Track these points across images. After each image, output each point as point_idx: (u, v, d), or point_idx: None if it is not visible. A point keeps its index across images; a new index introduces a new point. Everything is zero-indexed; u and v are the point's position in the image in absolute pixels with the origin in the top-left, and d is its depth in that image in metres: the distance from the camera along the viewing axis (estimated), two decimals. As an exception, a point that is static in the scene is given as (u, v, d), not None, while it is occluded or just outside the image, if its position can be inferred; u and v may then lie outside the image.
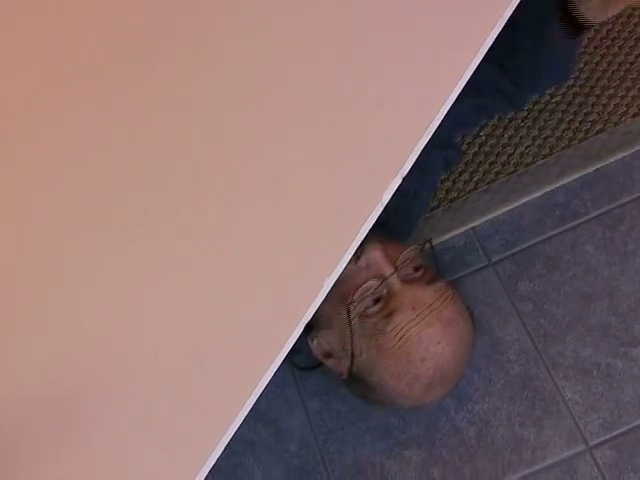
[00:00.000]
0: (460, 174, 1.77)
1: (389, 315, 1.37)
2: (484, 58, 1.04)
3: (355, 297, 1.38)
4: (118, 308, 1.04)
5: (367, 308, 1.39)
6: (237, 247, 1.03)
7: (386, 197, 0.99)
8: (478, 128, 1.79)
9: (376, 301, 1.39)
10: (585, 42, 1.83)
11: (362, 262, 1.39)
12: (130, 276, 1.05)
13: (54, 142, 1.14)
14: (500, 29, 1.03)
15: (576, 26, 1.35)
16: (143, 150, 1.11)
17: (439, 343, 1.37)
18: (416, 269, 1.44)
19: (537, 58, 1.48)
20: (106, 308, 1.04)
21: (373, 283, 1.38)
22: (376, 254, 1.39)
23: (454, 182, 1.76)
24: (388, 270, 1.39)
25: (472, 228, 1.73)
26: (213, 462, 0.95)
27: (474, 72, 1.03)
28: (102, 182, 1.10)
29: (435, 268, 1.50)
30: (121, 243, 1.06)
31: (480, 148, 1.79)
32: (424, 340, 1.36)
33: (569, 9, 1.32)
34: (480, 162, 1.77)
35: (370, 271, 1.39)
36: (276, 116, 1.08)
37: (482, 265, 1.69)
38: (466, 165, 1.77)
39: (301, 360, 1.58)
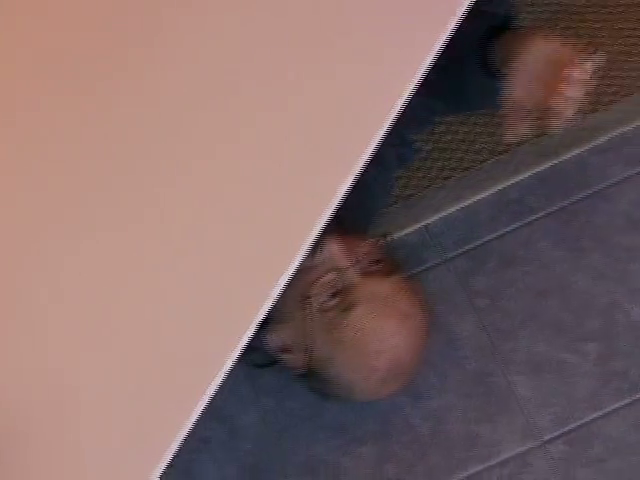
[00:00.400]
0: (416, 171, 1.76)
1: (347, 309, 1.37)
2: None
3: (313, 291, 1.38)
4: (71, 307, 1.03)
5: (325, 302, 1.39)
6: (192, 240, 1.02)
7: (340, 192, 0.99)
8: (433, 125, 1.79)
9: (334, 295, 1.39)
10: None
11: (320, 256, 1.39)
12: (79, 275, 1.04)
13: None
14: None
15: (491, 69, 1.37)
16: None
17: (395, 335, 1.38)
18: (373, 262, 1.44)
19: (462, 85, 1.49)
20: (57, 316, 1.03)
21: (331, 277, 1.38)
22: (334, 247, 1.39)
23: (410, 179, 1.76)
24: (346, 263, 1.39)
25: (427, 225, 1.72)
26: (168, 459, 0.94)
27: (426, 72, 1.03)
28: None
29: (393, 261, 1.50)
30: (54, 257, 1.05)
31: (435, 145, 1.78)
32: (380, 333, 1.37)
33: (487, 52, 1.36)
34: (435, 159, 1.77)
35: (327, 265, 1.40)
36: (225, 110, 1.07)
37: (437, 262, 1.69)
38: (422, 162, 1.77)
39: (257, 358, 1.58)
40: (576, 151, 1.73)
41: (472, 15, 1.11)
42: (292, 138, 1.03)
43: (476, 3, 1.06)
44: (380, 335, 1.37)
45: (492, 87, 1.43)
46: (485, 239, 1.69)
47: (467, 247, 1.69)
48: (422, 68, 1.02)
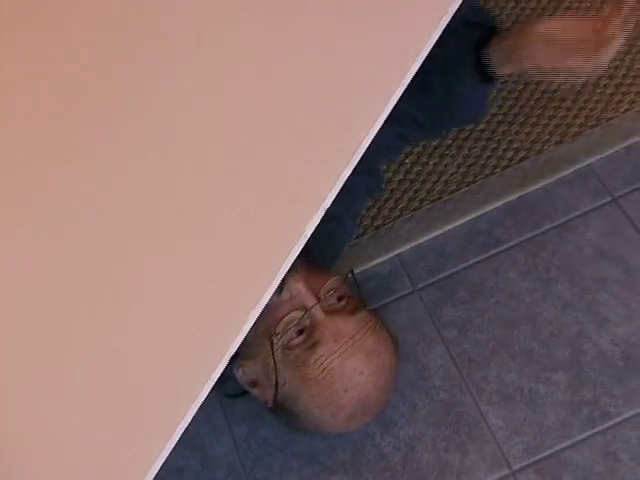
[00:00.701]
0: (385, 201, 1.78)
1: (312, 347, 1.38)
2: (405, 90, 1.06)
3: (278, 329, 1.39)
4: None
5: (290, 340, 1.40)
6: (166, 277, 1.02)
7: (309, 230, 1.00)
8: (403, 155, 1.81)
9: (300, 332, 1.40)
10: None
11: (285, 294, 1.40)
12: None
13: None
14: (422, 59, 1.05)
15: (486, 75, 1.39)
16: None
17: (362, 374, 1.38)
18: (339, 299, 1.45)
19: (449, 99, 1.50)
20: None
21: (296, 315, 1.39)
22: (298, 286, 1.39)
23: (379, 209, 1.77)
24: (310, 301, 1.39)
25: (397, 255, 1.74)
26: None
27: (397, 102, 1.04)
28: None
29: (359, 297, 1.51)
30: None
31: (405, 175, 1.80)
32: (347, 371, 1.37)
33: (482, 58, 1.37)
34: (405, 189, 1.79)
35: (293, 303, 1.40)
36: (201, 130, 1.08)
37: (407, 292, 1.70)
38: (391, 192, 1.79)
39: (229, 387, 1.58)
40: (543, 182, 1.75)
41: (458, 26, 1.14)
42: (263, 175, 1.04)
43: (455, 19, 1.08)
44: (346, 373, 1.37)
45: (479, 96, 1.47)
46: (455, 269, 1.71)
47: (437, 277, 1.70)
48: (394, 97, 1.03)
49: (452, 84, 1.46)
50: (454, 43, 1.35)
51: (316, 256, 1.44)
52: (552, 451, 1.52)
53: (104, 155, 1.10)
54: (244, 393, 1.54)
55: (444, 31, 1.07)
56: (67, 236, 1.07)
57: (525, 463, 1.52)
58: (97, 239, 1.06)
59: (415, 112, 1.54)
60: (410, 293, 1.70)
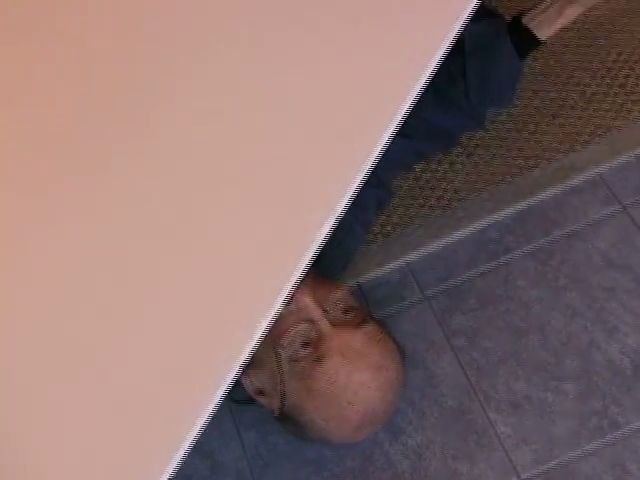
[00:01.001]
0: (395, 209, 1.78)
1: (319, 359, 1.37)
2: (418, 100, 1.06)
3: (285, 341, 1.39)
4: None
5: (297, 351, 1.40)
6: (180, 286, 1.02)
7: (320, 238, 0.99)
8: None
9: (306, 344, 1.39)
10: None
11: (292, 305, 1.40)
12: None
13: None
14: (433, 68, 1.05)
15: (525, 44, 1.43)
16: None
17: (369, 388, 1.38)
18: (346, 311, 1.44)
19: (487, 76, 1.54)
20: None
21: (303, 327, 1.39)
22: (305, 298, 1.39)
23: (388, 216, 1.77)
24: (317, 314, 1.39)
25: (407, 263, 1.74)
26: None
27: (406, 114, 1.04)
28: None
29: (365, 309, 1.51)
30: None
31: (415, 182, 1.81)
32: (353, 385, 1.36)
33: (522, 24, 1.40)
34: (415, 196, 1.79)
35: (300, 314, 1.40)
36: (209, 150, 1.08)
37: (416, 299, 1.70)
38: (401, 199, 1.79)
39: (238, 393, 1.58)
40: (552, 190, 1.75)
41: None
42: (273, 185, 1.04)
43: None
44: (352, 387, 1.37)
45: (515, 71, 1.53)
46: (464, 277, 1.71)
47: (446, 285, 1.70)
48: (403, 107, 1.02)
49: (490, 59, 1.52)
50: (487, 22, 1.39)
51: (325, 264, 1.44)
52: (560, 460, 1.52)
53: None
54: (251, 401, 1.54)
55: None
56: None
57: (533, 472, 1.52)
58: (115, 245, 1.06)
59: (433, 113, 1.56)
60: (420, 301, 1.70)
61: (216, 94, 1.10)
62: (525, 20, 1.53)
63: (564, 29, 1.58)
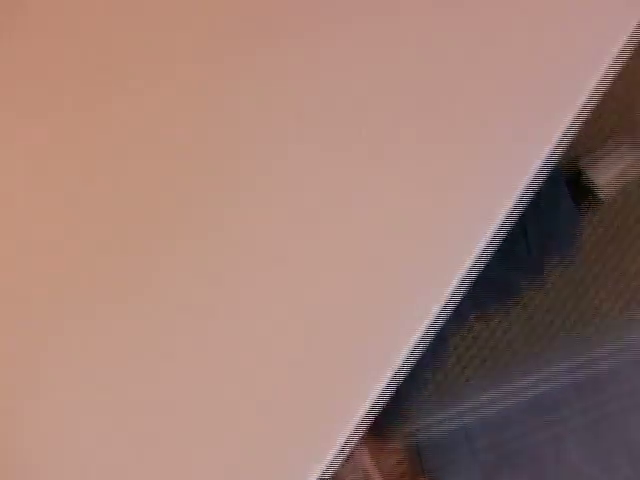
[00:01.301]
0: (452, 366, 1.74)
1: None
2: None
3: None
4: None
5: None
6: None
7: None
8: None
9: None
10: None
11: (349, 463, 1.40)
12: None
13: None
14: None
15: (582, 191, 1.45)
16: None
17: None
18: (402, 476, 1.44)
19: (548, 232, 1.50)
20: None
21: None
22: (365, 458, 1.40)
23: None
24: (375, 475, 1.39)
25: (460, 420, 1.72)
26: None
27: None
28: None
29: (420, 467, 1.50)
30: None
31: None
32: None
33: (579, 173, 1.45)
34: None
35: (358, 474, 1.40)
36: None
37: (466, 459, 1.68)
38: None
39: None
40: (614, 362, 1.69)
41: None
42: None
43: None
44: None
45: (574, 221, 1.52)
46: (517, 444, 1.68)
47: (498, 450, 1.68)
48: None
49: (550, 217, 1.49)
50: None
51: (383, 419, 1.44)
52: None
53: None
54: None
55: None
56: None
57: None
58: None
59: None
60: (469, 461, 1.68)
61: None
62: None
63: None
